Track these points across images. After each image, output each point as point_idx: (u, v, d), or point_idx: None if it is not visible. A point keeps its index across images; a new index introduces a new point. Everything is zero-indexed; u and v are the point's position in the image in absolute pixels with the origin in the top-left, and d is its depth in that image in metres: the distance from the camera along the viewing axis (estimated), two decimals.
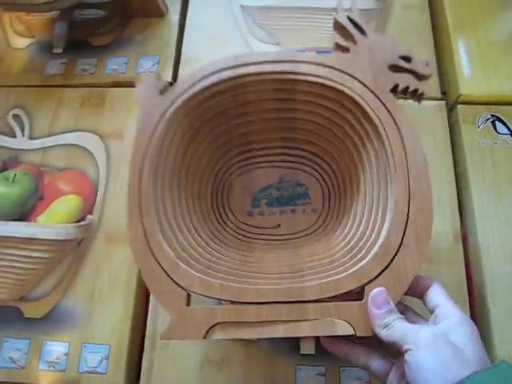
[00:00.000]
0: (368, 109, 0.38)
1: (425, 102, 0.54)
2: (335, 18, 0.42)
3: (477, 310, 0.46)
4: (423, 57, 0.53)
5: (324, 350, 0.38)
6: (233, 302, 0.35)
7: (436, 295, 0.34)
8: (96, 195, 0.50)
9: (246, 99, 0.41)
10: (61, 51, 0.59)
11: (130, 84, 0.56)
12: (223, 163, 0.45)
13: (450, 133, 0.52)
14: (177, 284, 0.35)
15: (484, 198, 0.49)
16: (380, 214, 0.37)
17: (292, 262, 0.38)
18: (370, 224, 0.37)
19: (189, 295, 0.35)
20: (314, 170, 0.45)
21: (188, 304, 0.35)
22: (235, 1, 0.61)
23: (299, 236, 0.43)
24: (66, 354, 0.45)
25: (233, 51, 0.56)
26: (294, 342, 0.44)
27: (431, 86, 0.54)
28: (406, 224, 0.35)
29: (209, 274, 0.35)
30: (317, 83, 0.39)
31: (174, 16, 0.60)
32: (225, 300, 0.35)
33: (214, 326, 0.34)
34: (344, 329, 0.34)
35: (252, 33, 0.59)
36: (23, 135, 0.54)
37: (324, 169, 0.45)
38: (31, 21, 0.62)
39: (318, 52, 0.57)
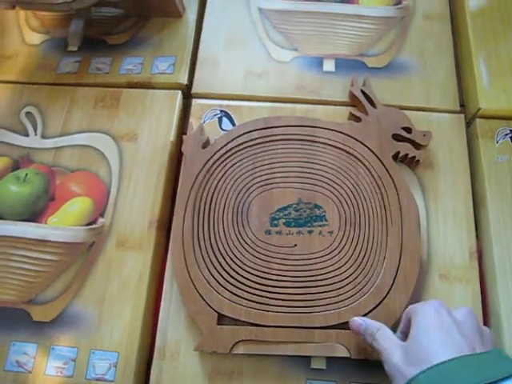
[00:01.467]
0: (373, 171, 0.47)
1: (443, 115, 0.53)
2: (351, 90, 0.52)
3: (491, 328, 0.45)
4: (443, 67, 0.54)
5: (335, 365, 0.43)
6: (254, 324, 0.42)
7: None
8: (108, 198, 0.50)
9: (273, 152, 0.48)
10: (76, 49, 0.58)
11: (144, 85, 0.55)
12: (245, 183, 0.47)
13: (468, 147, 0.52)
14: (210, 307, 0.43)
15: (501, 215, 0.48)
16: (379, 258, 0.44)
17: (306, 288, 0.43)
18: (371, 266, 0.44)
19: (219, 316, 0.43)
20: (332, 193, 0.46)
21: (218, 323, 0.42)
22: (253, 3, 0.60)
23: (315, 257, 0.45)
24: (73, 360, 0.44)
25: (250, 54, 0.56)
26: (305, 357, 0.43)
27: (450, 99, 0.54)
28: (398, 270, 0.43)
29: (235, 300, 0.43)
30: (332, 146, 0.48)
31: (191, 16, 0.59)
32: (248, 322, 0.42)
33: (237, 342, 0.42)
34: (341, 352, 0.42)
35: (269, 36, 0.58)
36: (36, 134, 0.54)
37: (342, 194, 0.46)
38: (46, 17, 0.61)
39: (335, 59, 0.56)
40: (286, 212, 0.46)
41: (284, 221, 0.46)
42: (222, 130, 0.52)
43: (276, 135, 0.48)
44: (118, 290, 0.46)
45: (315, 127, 0.49)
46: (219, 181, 0.47)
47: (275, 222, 0.46)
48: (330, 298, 0.43)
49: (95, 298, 0.46)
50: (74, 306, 0.46)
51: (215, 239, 0.45)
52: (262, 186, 0.47)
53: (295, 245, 0.45)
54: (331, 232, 0.45)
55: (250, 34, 0.58)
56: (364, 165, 0.47)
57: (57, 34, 0.60)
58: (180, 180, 0.49)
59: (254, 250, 0.45)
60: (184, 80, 0.55)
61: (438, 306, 0.36)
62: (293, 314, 0.42)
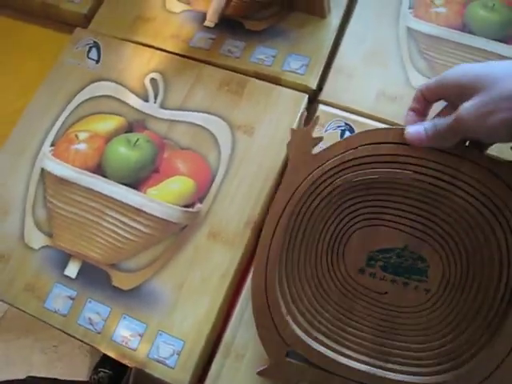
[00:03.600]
0: (508, 231, 0.37)
1: None
2: None
3: None
4: None
5: None
6: (323, 369, 0.40)
7: None
8: (211, 185, 0.49)
9: (393, 182, 0.40)
10: (212, 25, 0.57)
11: (272, 79, 0.54)
12: (350, 211, 0.41)
13: None
14: (282, 339, 0.40)
15: None
16: (480, 337, 0.38)
17: (385, 340, 0.40)
18: (466, 343, 0.39)
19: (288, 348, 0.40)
20: (443, 249, 0.40)
21: (286, 355, 0.40)
22: (403, 21, 0.56)
23: (402, 311, 0.41)
24: (140, 335, 0.45)
25: (387, 74, 0.53)
26: None
27: None
28: (503, 362, 0.37)
29: (310, 336, 0.40)
30: (476, 189, 0.38)
31: (334, 20, 0.57)
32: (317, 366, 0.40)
33: (302, 381, 0.40)
34: None
35: (412, 60, 0.54)
36: (155, 102, 0.54)
37: (453, 252, 0.40)
38: None
39: None
40: (388, 255, 0.42)
41: (382, 264, 0.42)
42: None
43: (408, 164, 0.39)
44: (200, 281, 0.46)
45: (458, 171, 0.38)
46: (324, 199, 0.41)
47: (372, 262, 0.42)
48: (409, 360, 0.40)
49: (175, 281, 0.46)
50: (153, 282, 0.46)
51: (304, 263, 0.42)
52: (369, 218, 0.42)
53: (386, 292, 0.41)
54: (428, 290, 0.41)
55: (393, 52, 0.54)
56: (498, 221, 0.38)
57: (197, 7, 0.59)
58: (280, 186, 0.44)
59: (342, 285, 0.42)
60: (313, 84, 0.53)
61: None
62: (366, 367, 0.40)
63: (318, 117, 0.42)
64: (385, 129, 0.39)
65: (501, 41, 0.54)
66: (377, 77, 0.53)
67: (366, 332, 0.41)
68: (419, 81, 0.53)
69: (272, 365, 0.41)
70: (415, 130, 0.37)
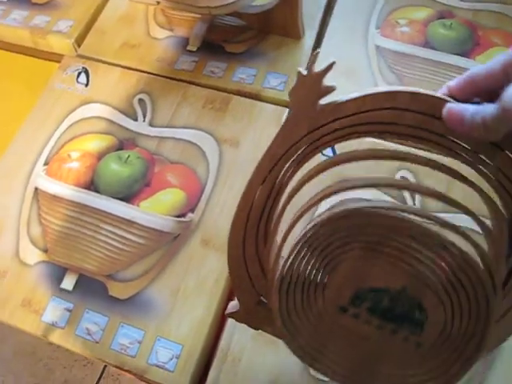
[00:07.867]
0: None
1: None
2: None
3: None
4: None
5: None
6: None
7: None
8: (201, 196, 0.51)
9: None
10: (195, 49, 0.61)
11: (254, 96, 0.57)
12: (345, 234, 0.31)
13: None
14: (255, 289, 0.37)
15: None
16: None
17: (363, 373, 0.36)
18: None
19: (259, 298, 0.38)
20: (451, 301, 0.31)
21: (257, 304, 0.38)
22: (371, 39, 0.61)
23: (384, 358, 0.35)
24: (139, 342, 0.46)
25: (360, 87, 0.57)
26: None
27: None
28: None
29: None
30: None
31: (308, 41, 0.61)
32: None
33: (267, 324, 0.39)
34: None
35: (383, 74, 0.59)
36: (144, 120, 0.57)
37: (461, 306, 0.31)
38: (174, 16, 0.64)
39: None
40: (378, 296, 0.32)
41: (369, 305, 0.33)
42: (323, 155, 0.53)
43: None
44: (194, 286, 0.47)
45: None
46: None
47: (358, 301, 0.33)
48: None
49: (171, 288, 0.48)
50: (149, 290, 0.48)
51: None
52: (361, 248, 0.31)
53: (368, 338, 0.34)
54: (419, 345, 0.33)
55: (364, 68, 0.59)
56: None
57: (180, 33, 0.63)
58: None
59: (318, 321, 0.35)
60: None
61: None
62: None
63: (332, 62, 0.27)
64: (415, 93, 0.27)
65: (459, 54, 0.59)
66: (350, 90, 0.57)
67: (342, 363, 0.36)
68: None
69: (242, 311, 0.39)
70: (461, 108, 0.26)
